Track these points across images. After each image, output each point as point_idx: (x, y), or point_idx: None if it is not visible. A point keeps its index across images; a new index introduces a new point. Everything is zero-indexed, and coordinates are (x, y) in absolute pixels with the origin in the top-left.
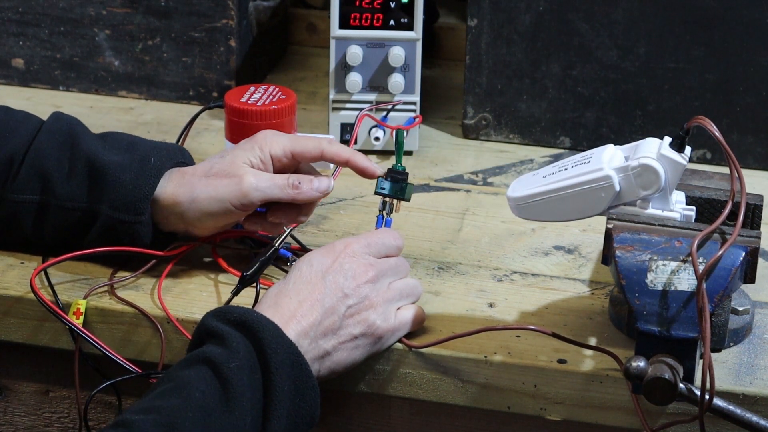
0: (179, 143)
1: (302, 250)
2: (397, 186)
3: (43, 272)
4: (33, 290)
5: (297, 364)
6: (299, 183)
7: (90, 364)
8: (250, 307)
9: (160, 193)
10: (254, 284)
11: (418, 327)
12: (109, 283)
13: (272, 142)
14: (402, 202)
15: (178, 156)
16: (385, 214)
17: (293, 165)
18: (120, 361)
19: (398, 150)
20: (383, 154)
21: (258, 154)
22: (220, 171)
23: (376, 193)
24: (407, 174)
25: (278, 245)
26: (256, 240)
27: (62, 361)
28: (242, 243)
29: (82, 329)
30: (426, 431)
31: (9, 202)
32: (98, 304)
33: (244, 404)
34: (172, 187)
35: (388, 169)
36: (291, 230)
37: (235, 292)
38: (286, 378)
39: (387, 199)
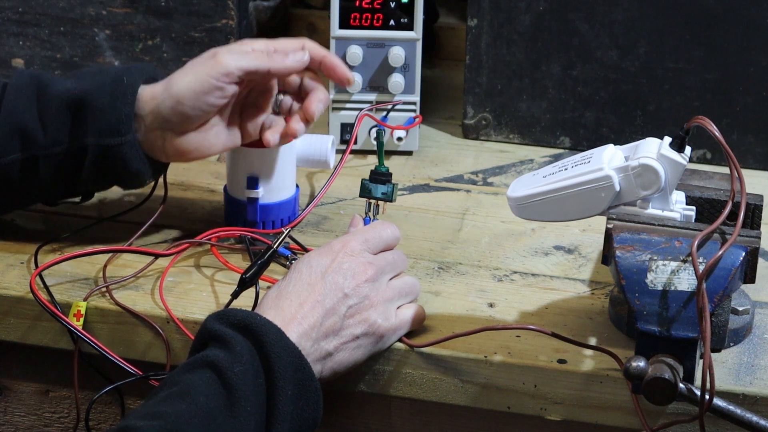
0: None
1: (301, 250)
2: (382, 187)
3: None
4: (33, 292)
5: (300, 368)
6: (274, 51)
7: (90, 364)
8: (250, 308)
9: (138, 104)
10: (253, 286)
11: (419, 326)
12: (109, 284)
13: (254, 41)
14: (388, 203)
15: (149, 72)
16: (371, 216)
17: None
18: (120, 363)
19: (380, 150)
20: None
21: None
22: (194, 62)
23: (360, 195)
24: (391, 174)
25: (276, 246)
26: (255, 239)
27: (62, 361)
28: (241, 242)
29: (81, 330)
30: (426, 431)
31: None
32: (98, 304)
33: (248, 409)
34: (148, 90)
35: (371, 171)
36: (289, 231)
37: (235, 295)
38: (290, 382)
39: (372, 201)
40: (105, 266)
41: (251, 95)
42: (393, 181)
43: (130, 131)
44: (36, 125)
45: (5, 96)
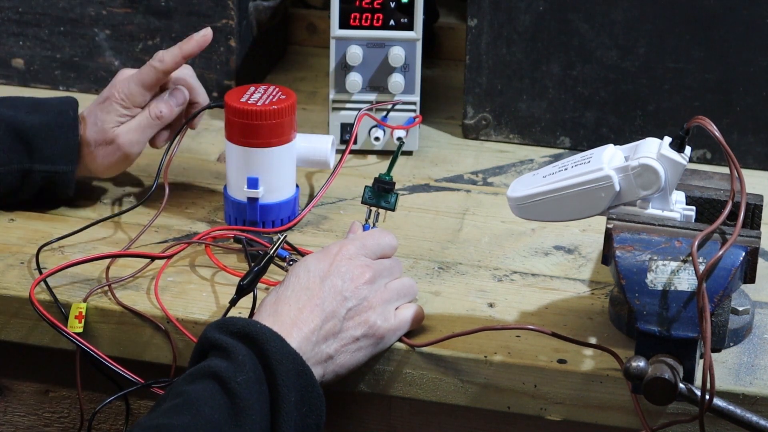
0: (177, 143)
1: (297, 255)
2: (385, 196)
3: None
4: (32, 303)
5: (302, 374)
6: (160, 111)
7: (93, 364)
8: (248, 314)
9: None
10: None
11: (418, 325)
12: (108, 284)
13: (122, 86)
14: (388, 211)
15: (75, 106)
16: (371, 223)
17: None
18: (122, 373)
19: (393, 161)
20: (383, 154)
21: (119, 109)
22: (99, 138)
23: (363, 202)
24: (394, 184)
25: (272, 253)
26: (252, 240)
27: (62, 361)
28: (238, 242)
29: (83, 341)
30: (426, 431)
31: None
32: (98, 304)
33: (253, 418)
34: (87, 134)
35: (375, 179)
36: (285, 237)
37: (233, 303)
38: (293, 389)
39: (373, 208)
40: (108, 268)
41: None
42: (395, 190)
43: (77, 160)
44: None
45: None
